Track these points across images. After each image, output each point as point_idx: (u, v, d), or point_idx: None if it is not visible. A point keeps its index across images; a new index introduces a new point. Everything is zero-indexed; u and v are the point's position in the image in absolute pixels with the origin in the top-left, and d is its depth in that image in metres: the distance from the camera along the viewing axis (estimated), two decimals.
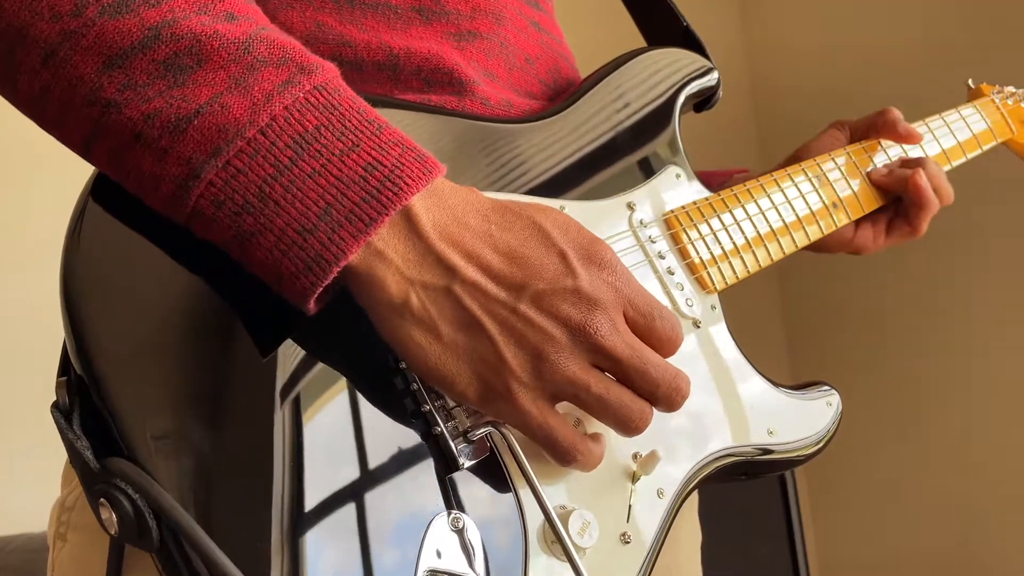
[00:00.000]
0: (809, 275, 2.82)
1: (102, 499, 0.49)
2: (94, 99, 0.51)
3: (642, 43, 0.93)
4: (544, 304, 0.54)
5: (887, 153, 0.95)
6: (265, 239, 0.51)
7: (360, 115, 0.53)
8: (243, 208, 0.51)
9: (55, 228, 0.57)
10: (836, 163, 0.90)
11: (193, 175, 0.50)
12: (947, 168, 1.02)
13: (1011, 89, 1.20)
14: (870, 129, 0.96)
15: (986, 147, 1.09)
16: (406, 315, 0.53)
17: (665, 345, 0.58)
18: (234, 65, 0.51)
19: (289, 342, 0.56)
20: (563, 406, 0.57)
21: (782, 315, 2.99)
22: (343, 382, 0.57)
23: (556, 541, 0.59)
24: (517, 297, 0.54)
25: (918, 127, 1.01)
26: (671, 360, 0.59)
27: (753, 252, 0.79)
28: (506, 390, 0.54)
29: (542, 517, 0.59)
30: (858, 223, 0.94)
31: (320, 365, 0.56)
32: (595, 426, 0.60)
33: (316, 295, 0.52)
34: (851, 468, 2.74)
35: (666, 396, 0.57)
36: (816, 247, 0.93)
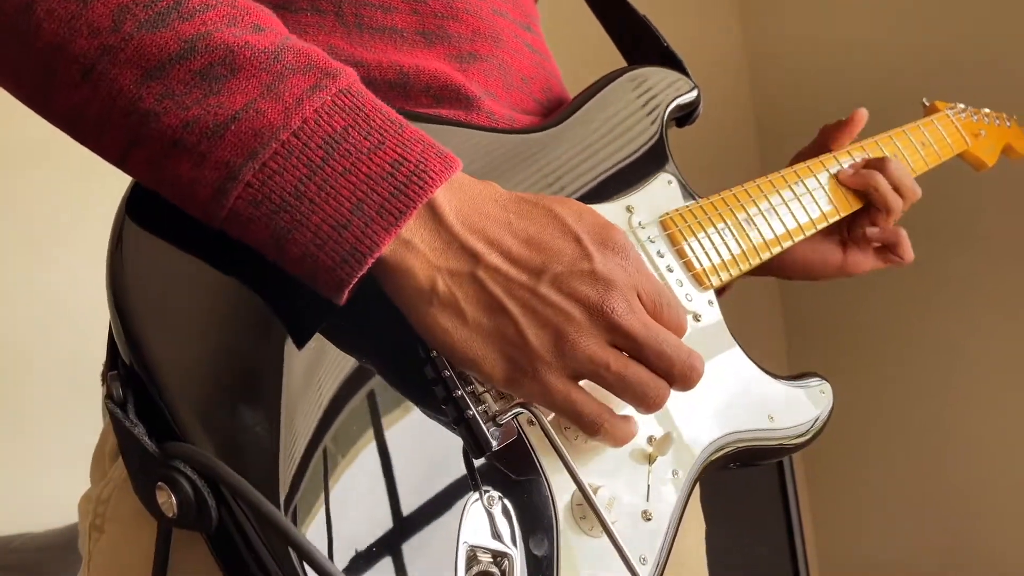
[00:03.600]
0: None
1: (160, 483, 0.51)
2: (133, 109, 0.54)
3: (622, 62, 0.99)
4: (563, 285, 0.58)
5: (854, 157, 1.01)
6: (301, 235, 0.54)
7: (383, 115, 0.57)
8: (280, 207, 0.54)
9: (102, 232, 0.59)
10: (812, 171, 0.96)
11: (231, 177, 0.53)
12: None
13: (962, 106, 1.27)
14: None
15: (946, 158, 1.15)
16: (434, 300, 0.57)
17: (671, 331, 0.61)
18: (265, 73, 0.55)
19: (327, 333, 0.58)
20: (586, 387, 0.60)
21: (782, 315, 3.00)
22: (376, 371, 0.60)
23: (584, 517, 0.62)
24: (537, 280, 0.58)
25: (883, 139, 1.07)
26: None
27: (743, 250, 0.84)
28: (531, 368, 0.57)
29: (568, 495, 0.62)
30: (843, 246, 1.00)
31: (356, 356, 0.59)
32: (616, 407, 0.63)
33: (351, 286, 0.55)
34: (851, 468, 2.73)
35: (681, 374, 0.60)
36: (809, 275, 1.00)
